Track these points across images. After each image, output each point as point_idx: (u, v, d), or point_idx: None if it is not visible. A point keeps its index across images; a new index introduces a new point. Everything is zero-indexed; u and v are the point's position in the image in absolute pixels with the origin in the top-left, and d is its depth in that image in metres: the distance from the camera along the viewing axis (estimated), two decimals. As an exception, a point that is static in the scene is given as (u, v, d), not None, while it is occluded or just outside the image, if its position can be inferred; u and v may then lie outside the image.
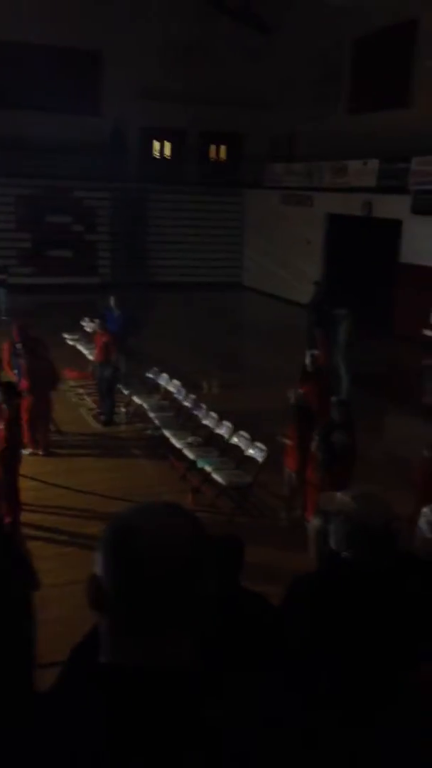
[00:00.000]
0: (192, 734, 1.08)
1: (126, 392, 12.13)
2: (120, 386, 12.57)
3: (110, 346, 11.60)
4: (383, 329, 17.99)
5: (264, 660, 3.04)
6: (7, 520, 7.54)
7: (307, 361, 10.50)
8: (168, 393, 11.52)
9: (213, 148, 28.26)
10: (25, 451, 9.06)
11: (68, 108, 24.28)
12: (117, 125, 25.93)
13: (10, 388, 8.11)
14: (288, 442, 8.25)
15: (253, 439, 8.86)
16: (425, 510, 3.86)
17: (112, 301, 13.09)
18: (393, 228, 18.94)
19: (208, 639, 1.22)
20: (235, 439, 9.18)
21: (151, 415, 10.82)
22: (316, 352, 11.57)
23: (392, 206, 18.82)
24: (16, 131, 23.23)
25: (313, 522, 3.65)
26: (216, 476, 8.57)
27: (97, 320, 12.88)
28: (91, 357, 13.51)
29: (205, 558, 1.22)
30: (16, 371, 10.84)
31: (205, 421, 9.94)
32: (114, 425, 11.55)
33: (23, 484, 8.23)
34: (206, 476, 8.81)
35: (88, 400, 12.68)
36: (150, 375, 12.23)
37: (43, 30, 23.12)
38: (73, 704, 1.13)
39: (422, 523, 3.87)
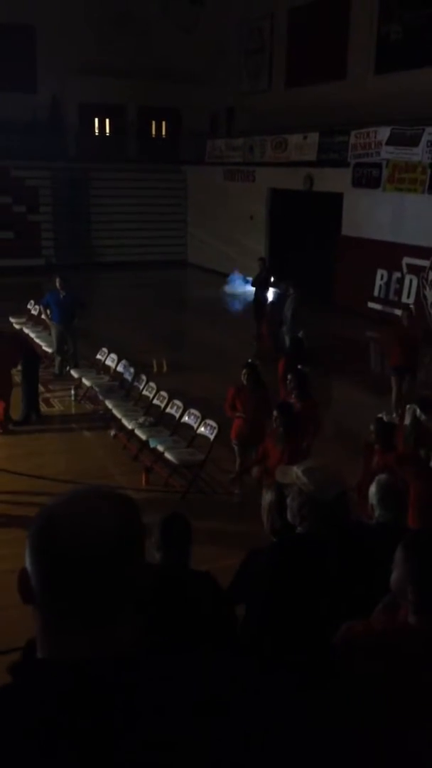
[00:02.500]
0: (127, 721, 1.05)
1: (75, 374, 12.09)
2: (69, 368, 12.52)
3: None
4: (325, 302, 18.23)
5: (209, 639, 3.13)
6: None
7: (288, 344, 10.55)
8: (117, 373, 11.52)
9: (153, 124, 27.99)
10: None
11: (3, 85, 23.74)
12: (54, 102, 25.47)
13: None
14: (241, 416, 8.33)
15: (204, 416, 8.94)
16: (372, 488, 4.02)
17: (57, 282, 12.97)
18: (334, 201, 19.13)
19: (148, 621, 1.20)
20: (186, 418, 9.26)
21: (101, 396, 10.82)
22: (300, 334, 11.74)
23: (333, 180, 18.99)
24: None
25: (267, 496, 3.76)
26: (168, 455, 8.65)
27: (60, 288, 12.71)
28: (39, 341, 13.44)
29: (134, 541, 1.18)
30: None
31: (156, 401, 9.99)
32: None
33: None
34: (158, 455, 8.89)
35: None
36: (99, 356, 12.20)
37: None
38: (18, 700, 1.10)
39: (371, 497, 4.05)
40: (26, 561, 1.20)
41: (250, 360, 8.84)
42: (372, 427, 6.60)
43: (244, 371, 8.40)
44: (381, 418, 6.71)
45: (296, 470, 3.23)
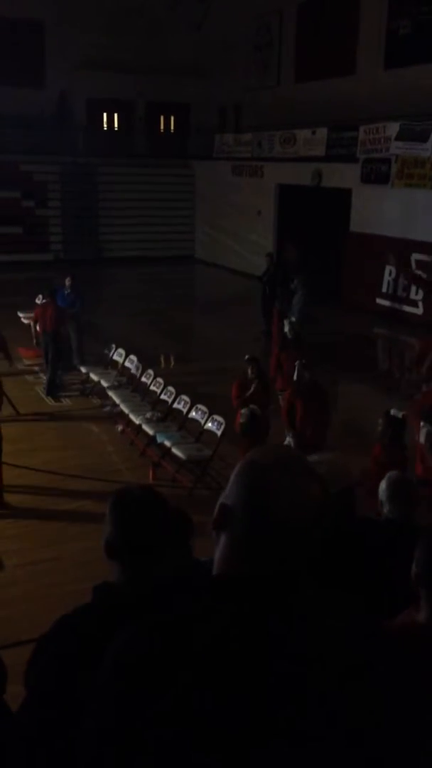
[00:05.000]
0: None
1: (83, 369, 12.12)
2: (76, 363, 12.56)
3: (58, 317, 11.83)
4: (333, 298, 18.20)
5: None
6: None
7: (286, 329, 10.63)
8: (125, 369, 11.54)
9: (162, 119, 27.97)
10: None
11: (11, 80, 23.76)
12: (62, 97, 25.48)
13: None
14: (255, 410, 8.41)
15: (211, 412, 8.96)
16: (382, 484, 4.01)
17: (68, 281, 13.05)
18: (343, 197, 19.08)
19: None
20: (193, 413, 9.28)
21: (109, 391, 10.85)
22: (293, 319, 11.70)
23: (342, 175, 18.94)
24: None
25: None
26: (175, 451, 8.67)
27: (45, 294, 12.82)
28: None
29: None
30: None
31: (163, 396, 10.01)
32: (57, 398, 11.65)
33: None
34: (166, 451, 8.91)
35: (44, 379, 12.62)
36: (106, 351, 12.23)
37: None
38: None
39: (381, 493, 4.04)
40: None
41: (248, 356, 8.93)
42: (380, 422, 6.61)
43: (248, 366, 8.58)
44: (389, 413, 6.71)
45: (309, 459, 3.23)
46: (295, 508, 1.26)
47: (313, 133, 20.03)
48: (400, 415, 6.87)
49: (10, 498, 8.16)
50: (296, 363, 8.54)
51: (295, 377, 8.42)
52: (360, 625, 1.30)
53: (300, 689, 1.15)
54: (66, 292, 12.87)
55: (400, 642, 1.51)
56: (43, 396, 11.80)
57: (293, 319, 11.87)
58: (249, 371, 8.63)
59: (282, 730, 1.12)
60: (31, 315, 14.97)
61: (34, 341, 12.68)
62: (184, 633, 1.19)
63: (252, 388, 8.51)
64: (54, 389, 11.85)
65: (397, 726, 1.20)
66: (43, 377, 12.46)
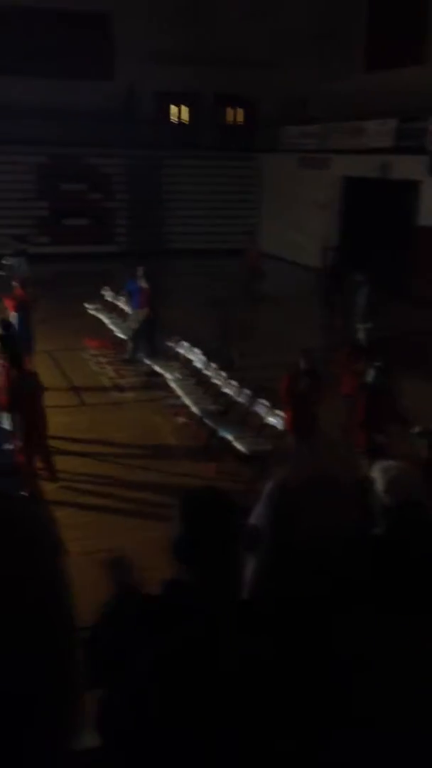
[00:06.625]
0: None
1: (147, 360, 12.27)
2: (140, 355, 12.72)
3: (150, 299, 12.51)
4: (401, 293, 17.89)
5: None
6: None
7: (360, 334, 10.45)
8: (188, 361, 11.63)
9: (229, 111, 27.93)
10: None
11: (81, 73, 24.11)
12: (130, 90, 25.69)
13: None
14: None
15: (273, 406, 8.96)
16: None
17: (140, 272, 13.23)
18: (411, 189, 18.74)
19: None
20: (255, 407, 9.30)
21: (173, 384, 10.95)
22: (369, 325, 11.57)
23: (410, 167, 18.59)
24: (30, 99, 23.13)
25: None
26: (237, 444, 8.71)
27: (142, 277, 13.09)
28: (113, 327, 13.74)
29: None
30: None
31: (226, 390, 10.06)
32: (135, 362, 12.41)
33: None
34: (227, 444, 8.96)
35: (109, 369, 12.83)
36: (170, 344, 12.34)
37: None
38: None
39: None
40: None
41: (304, 348, 8.73)
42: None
43: (302, 358, 8.39)
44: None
45: (377, 465, 3.18)
46: (323, 533, 1.24)
47: (382, 124, 19.71)
48: None
49: (73, 486, 8.34)
50: (368, 367, 8.28)
51: (367, 381, 8.14)
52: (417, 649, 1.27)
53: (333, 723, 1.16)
54: (140, 285, 13.08)
55: None
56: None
57: (369, 325, 11.76)
58: (302, 363, 8.41)
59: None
60: (97, 306, 15.28)
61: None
62: (210, 656, 1.20)
63: (303, 382, 8.31)
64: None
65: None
66: (109, 369, 12.72)
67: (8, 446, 8.91)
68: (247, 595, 1.31)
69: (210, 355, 11.28)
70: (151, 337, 12.89)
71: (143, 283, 13.03)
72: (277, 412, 8.81)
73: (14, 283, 12.47)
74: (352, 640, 1.23)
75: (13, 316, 11.21)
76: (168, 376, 11.25)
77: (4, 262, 19.75)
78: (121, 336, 13.45)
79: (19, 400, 7.95)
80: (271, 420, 8.85)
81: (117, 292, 15.05)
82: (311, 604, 1.22)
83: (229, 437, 8.90)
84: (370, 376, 7.97)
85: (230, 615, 1.29)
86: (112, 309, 14.88)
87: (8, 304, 11.73)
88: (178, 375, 11.21)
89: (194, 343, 11.84)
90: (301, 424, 8.20)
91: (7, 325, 9.73)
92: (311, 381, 8.29)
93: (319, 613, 1.22)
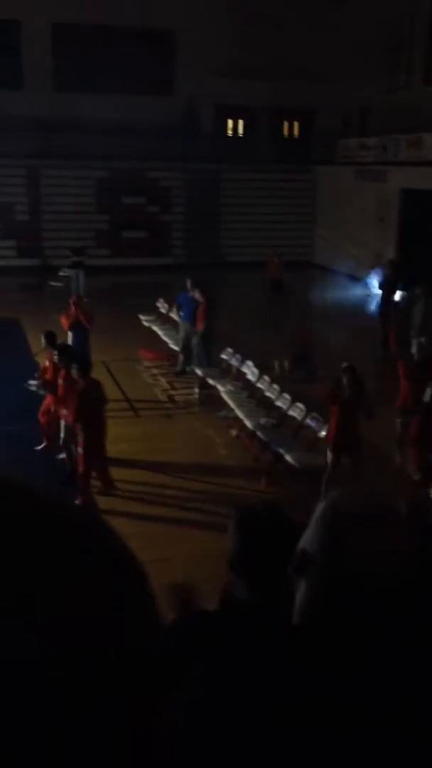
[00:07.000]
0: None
1: (199, 372, 12.34)
2: (192, 367, 12.80)
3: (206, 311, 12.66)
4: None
5: None
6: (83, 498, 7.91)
7: (414, 348, 10.30)
8: (241, 374, 11.65)
9: (286, 124, 28.00)
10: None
11: (143, 89, 24.51)
12: (190, 104, 25.97)
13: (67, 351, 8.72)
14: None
15: (325, 420, 8.90)
16: None
17: (188, 283, 13.33)
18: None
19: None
20: (307, 421, 9.26)
21: (225, 396, 10.98)
22: (422, 340, 11.39)
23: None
24: (93, 114, 23.61)
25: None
26: (289, 458, 8.69)
27: (193, 288, 13.21)
28: (167, 338, 13.87)
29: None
30: None
31: (278, 403, 10.04)
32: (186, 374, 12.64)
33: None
34: (279, 458, 8.94)
35: (163, 381, 12.94)
36: (223, 356, 12.38)
37: (117, 11, 23.37)
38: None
39: None
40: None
41: (345, 364, 8.52)
42: None
43: (344, 375, 8.24)
44: None
45: None
46: (376, 560, 1.20)
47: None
48: None
49: (122, 496, 8.43)
50: (426, 383, 8.04)
51: (424, 399, 7.99)
52: None
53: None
54: (190, 295, 13.18)
55: None
56: (163, 400, 12.11)
57: (422, 339, 11.59)
58: (344, 380, 8.23)
59: None
60: (152, 318, 15.44)
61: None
62: (257, 685, 1.20)
63: (345, 393, 8.15)
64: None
65: None
66: (163, 380, 12.84)
67: (61, 455, 9.08)
68: (297, 621, 1.30)
69: (287, 366, 11.28)
70: (207, 349, 12.93)
71: (198, 295, 13.08)
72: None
73: (70, 300, 12.68)
74: (411, 672, 1.21)
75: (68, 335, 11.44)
76: (221, 388, 11.28)
77: (61, 273, 20.17)
78: (174, 348, 13.56)
79: (88, 409, 8.10)
80: (324, 434, 8.80)
81: (170, 304, 15.21)
82: (367, 631, 1.20)
83: (281, 451, 8.88)
84: (428, 395, 7.80)
85: (288, 640, 1.28)
86: (165, 321, 15.02)
87: (63, 322, 11.91)
88: (230, 387, 11.24)
89: (246, 355, 11.86)
90: (342, 439, 8.09)
91: (64, 345, 9.84)
92: (354, 394, 8.16)
93: (375, 642, 1.20)
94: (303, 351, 12.86)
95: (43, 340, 9.63)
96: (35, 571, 0.49)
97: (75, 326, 11.75)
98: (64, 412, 8.62)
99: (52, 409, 9.13)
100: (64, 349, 9.09)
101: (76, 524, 0.56)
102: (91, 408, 8.12)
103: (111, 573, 0.56)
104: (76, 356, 8.95)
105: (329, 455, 8.22)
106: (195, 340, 13.05)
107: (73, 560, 0.52)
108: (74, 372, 8.32)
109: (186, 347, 13.22)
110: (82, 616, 0.50)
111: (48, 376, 9.17)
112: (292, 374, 12.41)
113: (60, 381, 8.70)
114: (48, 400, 9.26)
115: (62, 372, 8.68)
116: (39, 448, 9.51)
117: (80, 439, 8.13)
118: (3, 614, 0.47)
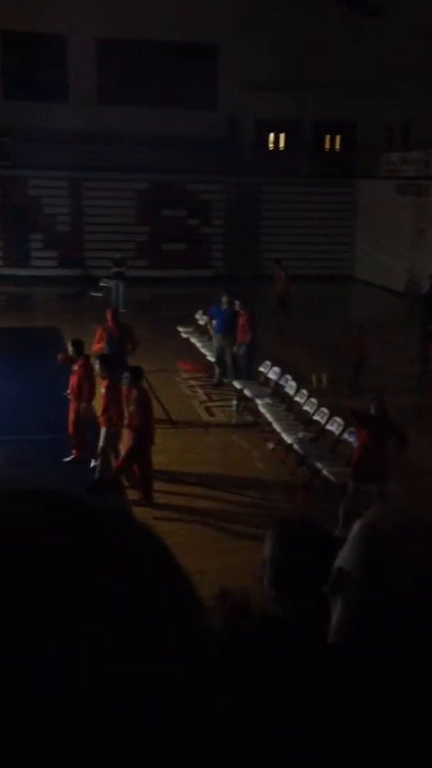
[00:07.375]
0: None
1: (237, 385, 12.31)
2: (229, 379, 12.79)
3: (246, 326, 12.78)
4: None
5: None
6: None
7: None
8: (279, 387, 11.60)
9: (327, 138, 27.98)
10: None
11: (185, 103, 24.72)
12: (232, 118, 26.11)
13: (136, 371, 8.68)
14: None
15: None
16: None
17: (224, 297, 13.37)
18: None
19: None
20: (345, 436, 9.17)
21: (262, 409, 10.94)
22: None
23: None
24: (135, 128, 23.90)
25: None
26: (326, 473, 8.61)
27: (229, 302, 13.34)
28: (204, 350, 13.89)
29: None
30: None
31: (316, 417, 9.97)
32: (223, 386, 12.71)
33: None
34: (316, 472, 8.86)
35: (200, 393, 12.95)
36: (261, 369, 12.35)
37: (160, 26, 23.63)
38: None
39: None
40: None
41: (374, 394, 8.28)
42: None
43: (372, 403, 7.94)
44: None
45: None
46: (414, 578, 1.17)
47: None
48: None
49: (158, 507, 8.43)
50: None
51: None
52: None
53: None
54: (223, 308, 13.20)
55: None
56: (200, 411, 12.12)
57: None
58: (372, 408, 7.91)
59: None
60: (190, 330, 15.50)
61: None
62: (292, 707, 1.17)
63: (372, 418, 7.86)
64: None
65: None
66: (200, 392, 12.85)
67: (95, 463, 9.09)
68: (332, 640, 1.27)
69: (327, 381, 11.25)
70: (250, 360, 12.93)
71: (240, 308, 13.14)
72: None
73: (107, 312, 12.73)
74: None
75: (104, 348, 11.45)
76: (258, 401, 11.25)
77: (102, 284, 20.36)
78: (212, 360, 13.58)
79: (142, 416, 8.25)
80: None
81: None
82: (405, 651, 1.17)
83: (319, 465, 8.81)
84: None
85: (323, 660, 1.25)
86: (203, 333, 15.05)
87: (100, 335, 11.94)
88: (268, 400, 11.20)
89: (284, 369, 11.81)
90: (366, 465, 7.77)
91: (105, 355, 9.89)
92: (380, 423, 7.82)
93: (414, 662, 1.16)
94: (359, 362, 12.78)
95: (69, 348, 9.76)
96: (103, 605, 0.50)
97: (110, 341, 11.74)
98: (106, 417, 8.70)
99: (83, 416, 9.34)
100: (105, 359, 9.14)
101: (130, 544, 0.56)
102: (143, 415, 8.25)
103: (168, 587, 0.55)
104: (118, 365, 9.06)
105: (350, 483, 7.85)
106: (235, 351, 13.07)
107: (137, 589, 0.52)
108: (125, 380, 8.42)
109: (221, 359, 13.22)
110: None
111: (74, 382, 9.34)
112: (354, 385, 12.35)
113: (102, 390, 8.81)
114: (72, 409, 9.38)
115: (105, 382, 8.76)
116: (67, 460, 9.58)
117: (129, 444, 8.26)
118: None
